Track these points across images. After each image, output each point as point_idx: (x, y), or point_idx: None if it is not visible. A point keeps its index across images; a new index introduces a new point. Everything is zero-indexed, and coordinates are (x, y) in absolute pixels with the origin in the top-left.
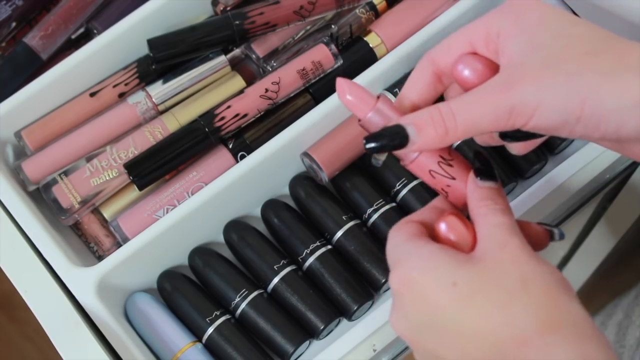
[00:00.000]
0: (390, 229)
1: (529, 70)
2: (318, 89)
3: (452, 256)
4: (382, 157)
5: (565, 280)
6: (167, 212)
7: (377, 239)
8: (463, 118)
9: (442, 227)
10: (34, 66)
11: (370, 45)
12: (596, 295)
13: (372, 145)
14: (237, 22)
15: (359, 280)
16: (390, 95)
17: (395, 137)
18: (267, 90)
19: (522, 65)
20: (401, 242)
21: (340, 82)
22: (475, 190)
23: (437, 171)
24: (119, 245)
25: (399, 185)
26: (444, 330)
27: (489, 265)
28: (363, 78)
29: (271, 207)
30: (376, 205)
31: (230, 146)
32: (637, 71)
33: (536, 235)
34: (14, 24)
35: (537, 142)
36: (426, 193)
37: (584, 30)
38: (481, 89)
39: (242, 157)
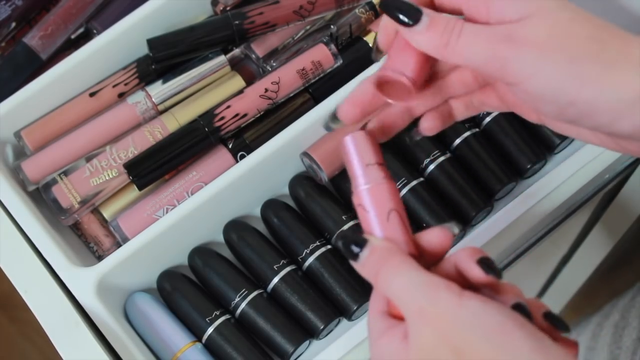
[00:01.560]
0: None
1: (534, 37)
2: (318, 89)
3: (396, 347)
4: (333, 122)
5: (503, 327)
6: (166, 212)
7: None
8: (464, 42)
9: None
10: (33, 66)
11: (370, 45)
12: (596, 295)
13: (389, 6)
14: (237, 22)
15: (358, 280)
16: None
17: (412, 11)
18: (266, 90)
19: (528, 26)
20: (371, 336)
21: None
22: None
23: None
24: (118, 245)
25: (398, 185)
26: None
27: (421, 351)
28: (363, 78)
29: (271, 207)
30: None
31: (230, 146)
32: (637, 65)
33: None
34: (13, 24)
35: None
36: (425, 192)
37: (585, 15)
38: (491, 30)
39: (242, 157)
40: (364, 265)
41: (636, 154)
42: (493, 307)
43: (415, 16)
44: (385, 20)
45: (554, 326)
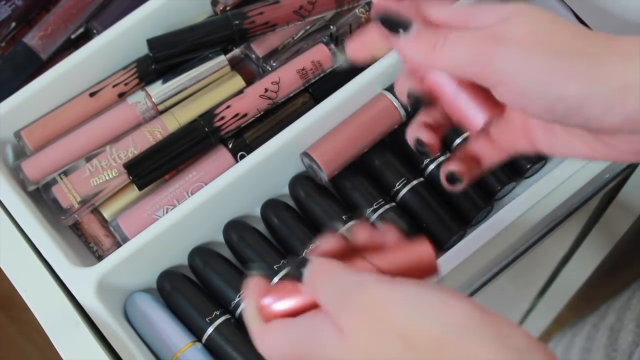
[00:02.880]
0: (261, 340)
1: (517, 34)
2: (318, 89)
3: (329, 336)
4: (343, 59)
5: (427, 295)
6: (166, 212)
7: None
8: (449, 46)
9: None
10: (33, 66)
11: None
12: (596, 296)
13: (381, 16)
14: (237, 22)
15: None
16: (390, 96)
17: (402, 20)
18: (266, 90)
19: (511, 29)
20: (289, 340)
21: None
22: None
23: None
24: (118, 245)
25: (398, 185)
26: None
27: (360, 342)
28: (363, 78)
29: (271, 206)
30: (376, 205)
31: (230, 146)
32: (626, 56)
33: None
34: (13, 24)
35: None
36: (425, 192)
37: (565, 19)
38: (474, 31)
39: (242, 157)
40: (307, 280)
41: (625, 156)
42: (428, 286)
43: (406, 24)
44: (366, 31)
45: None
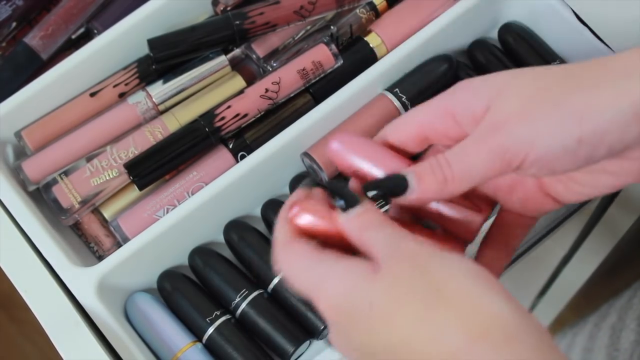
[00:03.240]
0: (282, 251)
1: (513, 110)
2: (318, 89)
3: (360, 274)
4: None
5: (484, 274)
6: (167, 212)
7: None
8: (458, 166)
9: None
10: (34, 66)
11: (371, 45)
12: (597, 296)
13: (373, 193)
14: (237, 22)
15: None
16: (391, 96)
17: (397, 185)
18: (267, 90)
19: (502, 109)
20: (311, 265)
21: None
22: (347, 225)
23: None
24: (119, 245)
25: None
26: (385, 355)
27: (395, 281)
28: (363, 78)
29: (271, 207)
30: (376, 205)
31: (231, 146)
32: (624, 74)
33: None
34: (14, 24)
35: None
36: None
37: (541, 68)
38: (471, 137)
39: (242, 157)
40: (353, 220)
41: None
42: (473, 262)
43: (402, 183)
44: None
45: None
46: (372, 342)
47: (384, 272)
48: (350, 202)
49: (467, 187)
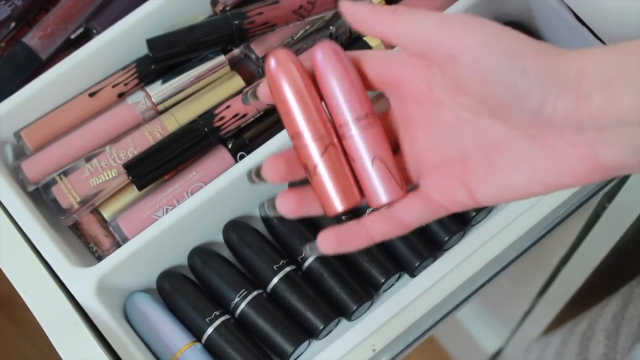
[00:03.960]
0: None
1: (469, 42)
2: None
3: None
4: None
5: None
6: (166, 212)
7: None
8: (411, 13)
9: None
10: (33, 66)
11: (370, 45)
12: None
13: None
14: (236, 22)
15: (358, 280)
16: None
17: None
18: None
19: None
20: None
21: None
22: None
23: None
24: (118, 245)
25: None
26: None
27: None
28: None
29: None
30: None
31: (230, 146)
32: (580, 51)
33: None
34: (13, 24)
35: None
36: None
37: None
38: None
39: (242, 157)
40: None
41: (572, 163)
42: None
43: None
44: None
45: None
46: None
47: None
48: None
49: (409, 28)
